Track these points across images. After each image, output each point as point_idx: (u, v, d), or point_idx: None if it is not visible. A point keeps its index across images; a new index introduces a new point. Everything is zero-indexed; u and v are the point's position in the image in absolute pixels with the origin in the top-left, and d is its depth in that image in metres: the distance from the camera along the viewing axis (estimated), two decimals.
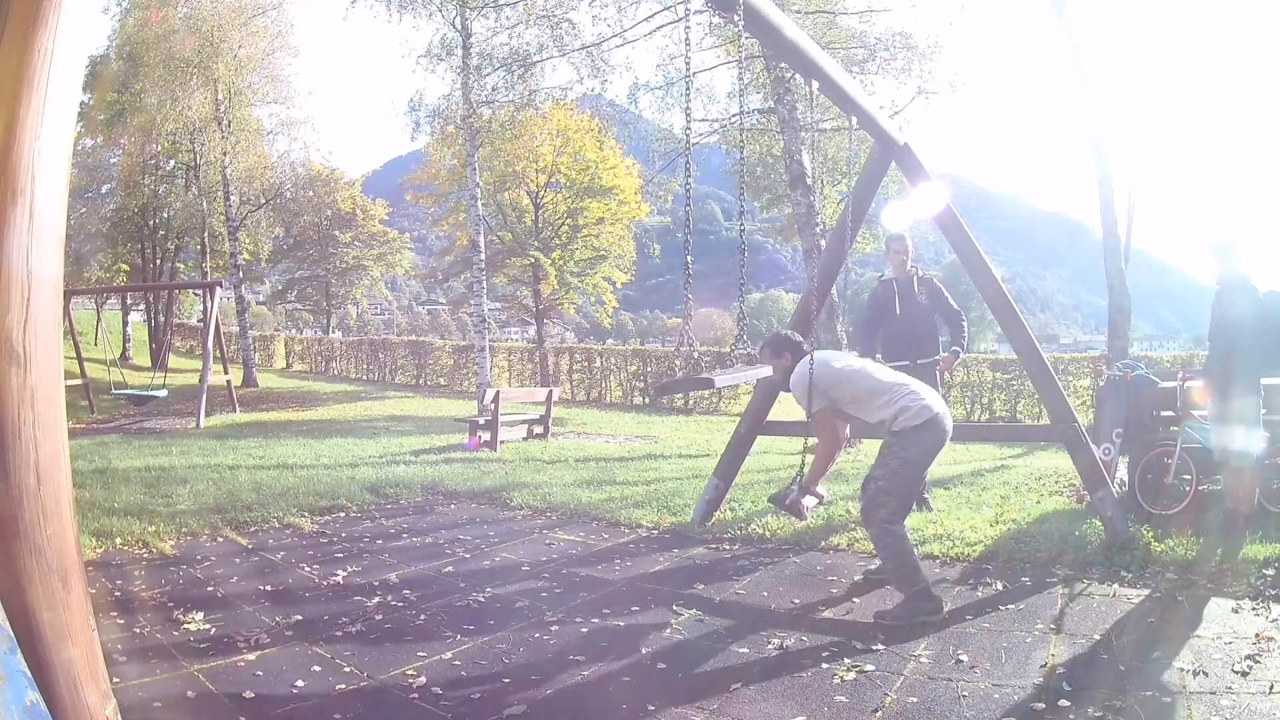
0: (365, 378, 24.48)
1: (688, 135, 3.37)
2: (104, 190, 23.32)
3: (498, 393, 10.14)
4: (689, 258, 3.17)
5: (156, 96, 18.16)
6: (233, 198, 20.77)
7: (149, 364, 22.00)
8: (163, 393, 13.34)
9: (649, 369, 19.02)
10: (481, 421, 10.12)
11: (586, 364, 20.39)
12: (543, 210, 23.93)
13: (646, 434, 12.40)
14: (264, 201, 22.71)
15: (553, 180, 23.61)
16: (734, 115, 14.48)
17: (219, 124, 19.59)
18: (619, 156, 23.06)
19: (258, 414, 14.28)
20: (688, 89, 3.18)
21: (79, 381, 13.83)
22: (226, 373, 14.56)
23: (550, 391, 11.46)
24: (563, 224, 24.06)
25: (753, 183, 18.03)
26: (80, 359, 14.04)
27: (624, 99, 15.50)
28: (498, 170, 21.85)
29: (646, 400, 18.50)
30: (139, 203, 22.51)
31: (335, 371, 25.95)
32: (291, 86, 21.35)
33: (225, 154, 19.88)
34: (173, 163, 23.19)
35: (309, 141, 25.56)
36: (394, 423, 13.10)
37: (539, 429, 11.11)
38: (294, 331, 31.37)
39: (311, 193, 26.57)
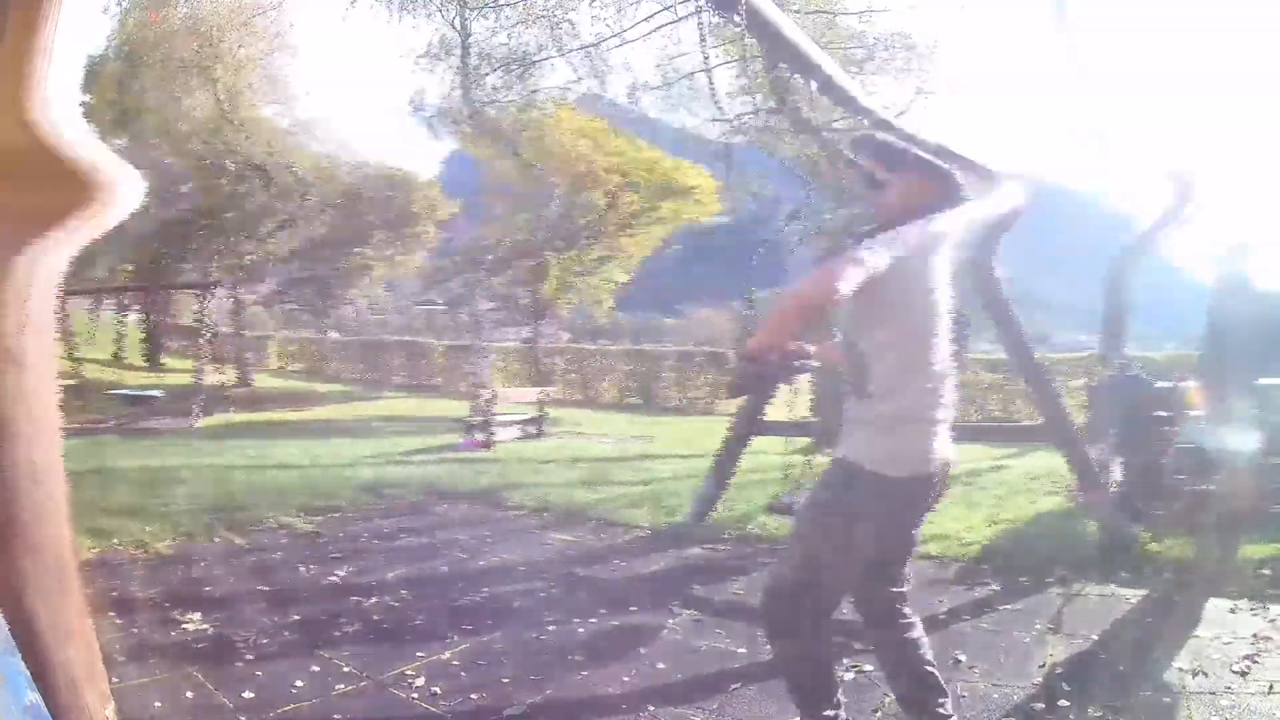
0: (361, 378, 24.44)
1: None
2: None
3: (493, 393, 10.17)
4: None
5: (161, 98, 18.08)
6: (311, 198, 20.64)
7: (145, 364, 21.90)
8: (158, 393, 13.29)
9: (643, 369, 19.15)
10: (475, 421, 10.13)
11: (580, 364, 20.45)
12: (618, 208, 22.89)
13: (642, 434, 12.40)
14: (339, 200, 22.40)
15: (630, 180, 22.68)
16: (736, 116, 14.45)
17: (230, 123, 19.47)
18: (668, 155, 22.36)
19: (253, 414, 14.23)
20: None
21: (74, 381, 13.76)
22: (222, 373, 14.50)
23: (544, 391, 11.47)
24: (626, 221, 23.05)
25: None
26: (76, 359, 13.98)
27: (623, 99, 15.46)
28: (566, 171, 21.14)
29: (642, 400, 18.59)
30: (143, 203, 22.34)
31: (330, 372, 25.90)
32: (299, 87, 21.27)
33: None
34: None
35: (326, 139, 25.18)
36: (389, 423, 13.08)
37: (533, 429, 11.12)
38: (290, 332, 31.17)
39: (391, 193, 25.93)
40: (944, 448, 2.00)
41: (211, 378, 13.81)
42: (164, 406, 13.83)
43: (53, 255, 1.42)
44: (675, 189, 22.38)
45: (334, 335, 28.43)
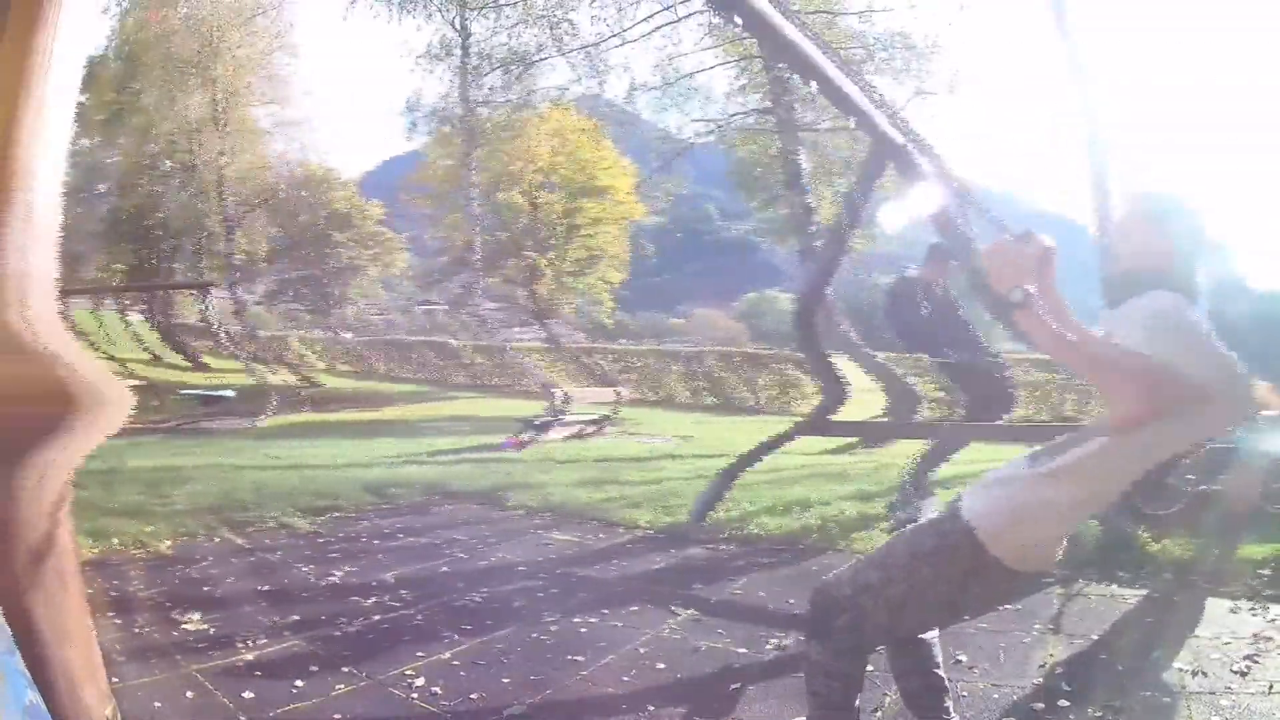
0: (422, 377, 24.28)
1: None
2: (100, 190, 23.17)
3: (567, 393, 10.12)
4: None
5: (155, 96, 18.13)
6: (229, 198, 20.71)
7: (181, 364, 21.73)
8: (230, 393, 13.14)
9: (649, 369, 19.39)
10: (537, 422, 10.01)
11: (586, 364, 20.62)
12: (539, 210, 23.77)
13: (697, 434, 12.10)
14: (258, 202, 22.56)
15: (549, 180, 23.42)
16: (731, 115, 14.49)
17: (216, 124, 19.54)
18: (615, 155, 22.92)
19: (327, 414, 13.47)
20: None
21: (143, 383, 13.46)
22: (275, 373, 14.37)
23: (618, 391, 11.39)
24: (559, 224, 23.92)
25: (750, 182, 18.04)
26: (115, 360, 13.80)
27: (622, 99, 15.51)
28: (494, 170, 21.75)
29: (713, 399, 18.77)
30: (135, 202, 22.32)
31: (386, 372, 25.68)
32: (290, 87, 21.34)
33: (222, 154, 19.84)
34: (168, 163, 22.96)
35: (307, 142, 25.22)
36: (453, 423, 12.68)
37: (590, 430, 10.93)
38: (303, 331, 31.19)
39: (306, 193, 26.28)
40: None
41: (275, 378, 13.61)
42: (237, 406, 13.41)
43: (49, 253, 1.42)
44: (591, 189, 22.63)
45: (346, 335, 28.30)
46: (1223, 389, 1.58)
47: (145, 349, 22.66)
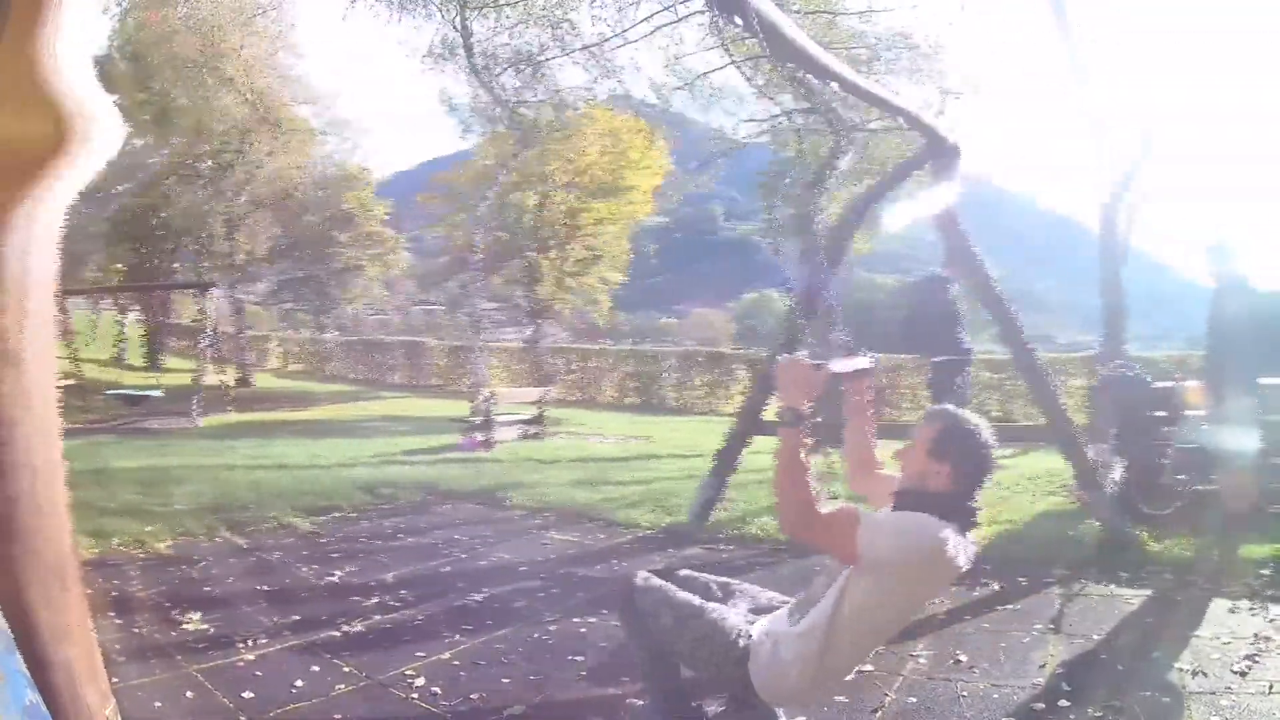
0: (361, 378, 24.40)
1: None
2: (101, 194, 22.96)
3: (492, 392, 10.18)
4: None
5: (190, 97, 18.01)
6: (243, 196, 20.61)
7: (144, 364, 21.76)
8: (158, 392, 13.23)
9: (643, 370, 19.33)
10: (476, 421, 10.10)
11: (582, 364, 20.59)
12: (546, 210, 23.36)
13: (641, 434, 12.37)
14: (275, 200, 22.28)
15: (575, 180, 22.65)
16: (775, 116, 14.29)
17: (263, 123, 19.38)
18: (664, 156, 22.25)
19: (254, 414, 14.14)
20: None
21: (73, 382, 13.62)
22: (222, 373, 14.43)
23: (544, 391, 11.47)
24: (561, 224, 23.61)
25: (775, 183, 17.93)
26: (75, 359, 13.87)
27: (651, 98, 15.27)
28: (527, 171, 21.14)
29: (641, 400, 18.79)
30: (148, 202, 22.05)
31: (331, 372, 25.85)
32: (343, 86, 21.36)
33: (270, 154, 19.85)
34: (209, 162, 22.44)
35: (358, 141, 25.00)
36: (391, 423, 13.05)
37: (534, 429, 11.12)
38: (289, 331, 31.11)
39: (324, 192, 25.82)
40: None
41: (211, 378, 13.68)
42: (165, 406, 13.71)
43: (49, 255, 1.41)
44: (611, 188, 22.20)
45: (330, 335, 28.25)
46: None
47: (120, 351, 22.57)
